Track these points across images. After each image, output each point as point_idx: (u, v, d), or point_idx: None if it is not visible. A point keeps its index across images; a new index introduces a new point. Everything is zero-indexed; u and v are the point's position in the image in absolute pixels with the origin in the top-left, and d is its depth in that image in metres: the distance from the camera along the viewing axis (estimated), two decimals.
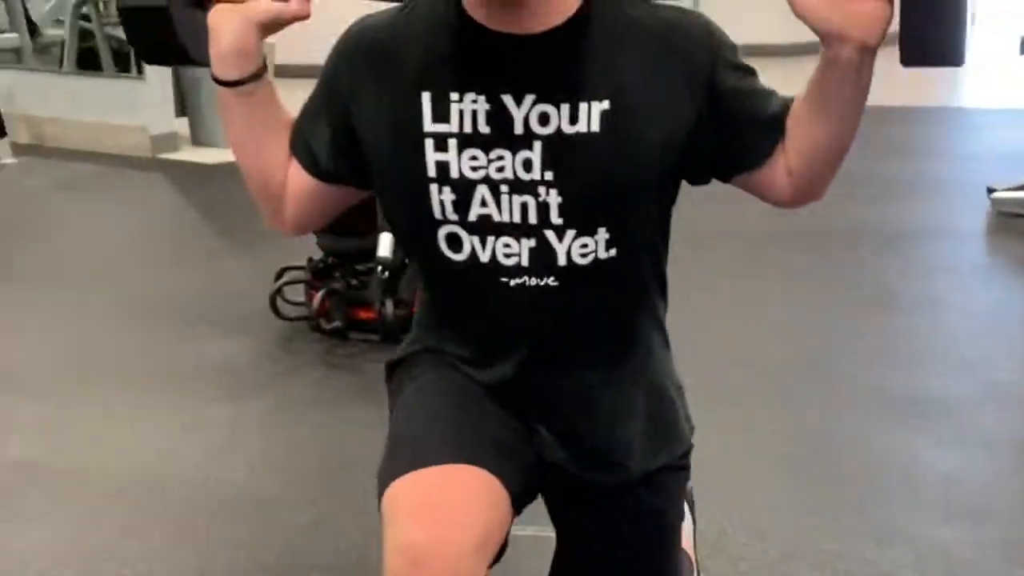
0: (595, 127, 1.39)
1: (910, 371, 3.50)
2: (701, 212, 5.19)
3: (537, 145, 1.39)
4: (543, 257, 1.44)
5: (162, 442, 3.11)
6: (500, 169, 1.41)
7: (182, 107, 6.83)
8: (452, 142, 1.41)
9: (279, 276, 3.97)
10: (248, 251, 4.76)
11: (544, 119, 1.39)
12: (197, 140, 6.76)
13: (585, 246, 1.43)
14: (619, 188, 1.41)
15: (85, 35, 7.67)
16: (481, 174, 1.41)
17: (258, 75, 1.48)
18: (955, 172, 6.04)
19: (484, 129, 1.40)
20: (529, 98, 1.39)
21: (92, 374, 3.62)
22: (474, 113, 1.40)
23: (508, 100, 1.39)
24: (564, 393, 1.55)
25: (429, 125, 1.42)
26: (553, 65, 1.40)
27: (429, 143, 1.42)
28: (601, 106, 1.39)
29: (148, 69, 6.67)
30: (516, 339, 1.52)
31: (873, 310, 4.03)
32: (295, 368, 3.62)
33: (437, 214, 1.44)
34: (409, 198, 1.46)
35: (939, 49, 1.29)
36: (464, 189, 1.42)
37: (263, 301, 3.92)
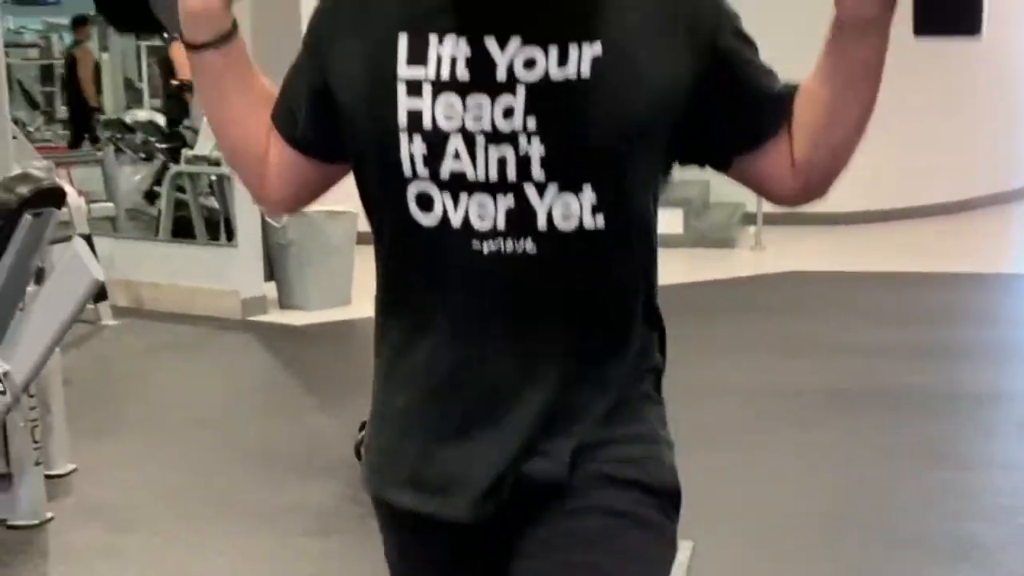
0: (585, 72, 1.31)
1: (950, 519, 3.82)
2: (754, 368, 5.60)
3: (520, 91, 1.31)
4: (521, 217, 1.33)
5: (258, 572, 3.52)
6: (478, 118, 1.32)
7: (270, 272, 7.35)
8: (427, 88, 1.33)
9: (363, 427, 4.39)
10: (333, 406, 5.21)
11: (530, 64, 1.31)
12: (285, 303, 7.26)
13: (568, 207, 1.33)
14: (608, 141, 1.33)
15: (178, 205, 8.31)
16: (456, 124, 1.33)
17: (227, 37, 1.45)
18: (1007, 336, 6.37)
19: (463, 74, 1.32)
20: (515, 41, 1.32)
21: (192, 513, 4.05)
22: (453, 57, 1.33)
23: (491, 43, 1.32)
24: (528, 389, 1.39)
25: (403, 68, 1.34)
26: (542, 7, 1.34)
27: (402, 88, 1.34)
28: (593, 50, 1.31)
29: (239, 237, 7.24)
30: (485, 320, 1.38)
31: (921, 466, 4.34)
32: None
33: (407, 169, 1.34)
34: (378, 153, 1.38)
35: (954, 16, 1.25)
36: (436, 140, 1.33)
37: (347, 450, 4.34)
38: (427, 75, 1.33)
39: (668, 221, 6.77)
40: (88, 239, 7.09)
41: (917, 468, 4.32)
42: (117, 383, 5.87)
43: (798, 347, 6.05)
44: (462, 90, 1.32)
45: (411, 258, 1.40)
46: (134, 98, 12.40)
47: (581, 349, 1.40)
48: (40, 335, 3.55)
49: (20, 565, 3.67)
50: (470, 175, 1.33)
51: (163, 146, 9.01)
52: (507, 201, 1.33)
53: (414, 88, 1.33)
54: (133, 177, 9.29)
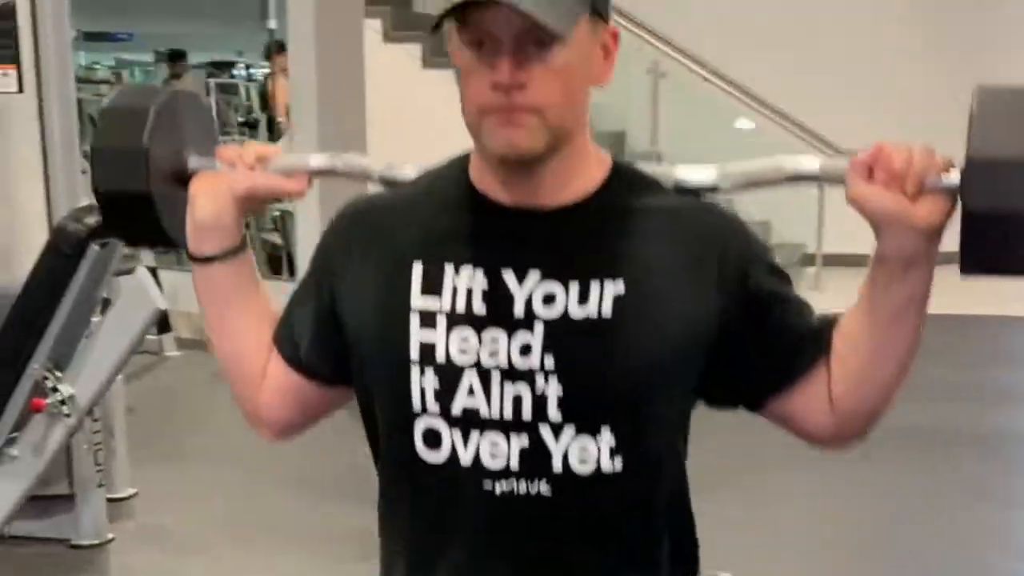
0: (607, 312, 1.26)
1: (994, 555, 3.92)
2: None
3: (539, 328, 1.26)
4: (536, 459, 1.27)
5: None
6: (493, 354, 1.26)
7: None
8: (441, 320, 1.28)
9: None
10: None
11: (549, 300, 1.26)
12: None
13: (585, 450, 1.26)
14: (628, 384, 1.27)
15: None
16: (471, 358, 1.27)
17: (234, 252, 1.41)
18: None
19: (479, 307, 1.27)
20: (533, 275, 1.27)
21: (246, 537, 4.22)
22: (469, 289, 1.28)
23: (509, 276, 1.27)
24: None
25: (417, 298, 1.29)
26: (563, 241, 1.29)
27: (415, 320, 1.29)
28: (615, 288, 1.26)
29: (300, 272, 7.44)
30: (492, 562, 1.32)
31: (965, 503, 4.43)
32: None
33: (416, 404, 1.28)
34: (386, 385, 1.32)
35: (1004, 257, 1.23)
36: (449, 375, 1.27)
37: None
38: (442, 306, 1.29)
39: None
40: (153, 272, 7.34)
41: (961, 505, 4.40)
42: (177, 412, 6.07)
43: None
44: (478, 324, 1.28)
45: (415, 496, 1.34)
46: None
47: None
48: (104, 361, 3.72)
49: None
50: (483, 412, 1.28)
51: None
52: (521, 441, 1.27)
53: (428, 319, 1.29)
54: None
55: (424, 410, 1.29)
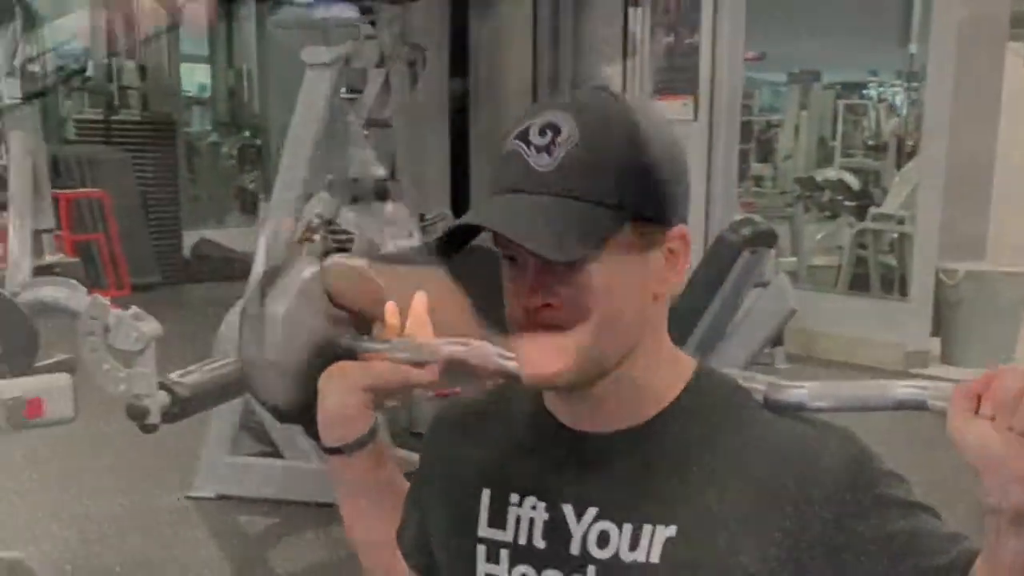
0: (655, 556, 1.21)
1: None
2: None
3: (592, 570, 1.25)
4: None
5: None
6: None
7: (937, 327, 7.75)
8: (504, 553, 1.30)
9: None
10: None
11: (603, 540, 1.24)
12: (946, 359, 7.71)
13: None
14: None
15: (859, 261, 9.01)
16: None
17: (360, 445, 1.40)
18: None
19: (539, 542, 1.28)
20: (591, 512, 1.25)
21: None
22: (531, 522, 1.28)
23: (568, 511, 1.27)
24: None
25: (484, 529, 1.31)
26: (622, 473, 1.26)
27: (481, 551, 1.31)
28: (667, 532, 1.21)
29: (912, 293, 7.83)
30: None
31: None
32: None
33: None
34: None
35: None
36: None
37: None
38: (506, 539, 1.30)
39: None
40: None
41: None
42: None
43: None
44: (538, 562, 1.28)
45: None
46: (826, 156, 12.86)
47: None
48: (743, 349, 4.47)
49: None
50: None
51: (850, 204, 9.82)
52: None
53: (493, 552, 1.31)
54: (816, 235, 10.15)
55: None
